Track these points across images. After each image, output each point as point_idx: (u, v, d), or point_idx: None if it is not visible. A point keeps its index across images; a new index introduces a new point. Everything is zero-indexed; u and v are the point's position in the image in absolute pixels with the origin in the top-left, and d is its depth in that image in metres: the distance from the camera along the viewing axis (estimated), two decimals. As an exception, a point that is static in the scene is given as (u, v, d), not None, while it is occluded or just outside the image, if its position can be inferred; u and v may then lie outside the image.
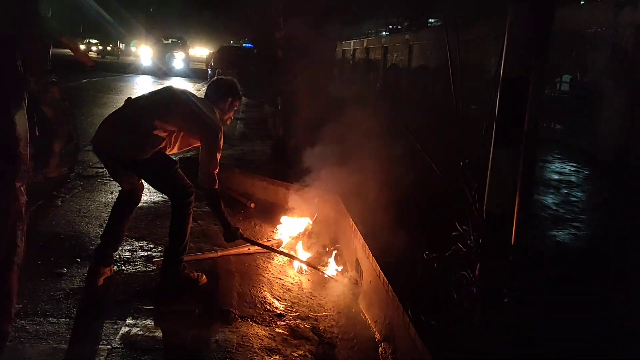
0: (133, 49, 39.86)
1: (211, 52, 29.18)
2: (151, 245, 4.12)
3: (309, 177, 5.49)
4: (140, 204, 4.94)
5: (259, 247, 4.14)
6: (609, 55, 7.08)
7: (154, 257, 3.90)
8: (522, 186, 2.54)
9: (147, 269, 3.73)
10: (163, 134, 3.34)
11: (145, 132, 3.29)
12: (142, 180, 3.56)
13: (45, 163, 5.51)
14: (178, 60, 25.25)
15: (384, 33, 22.63)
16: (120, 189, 3.59)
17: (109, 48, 40.65)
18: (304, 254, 4.29)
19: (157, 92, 3.66)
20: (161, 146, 3.36)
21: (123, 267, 3.70)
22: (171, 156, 3.51)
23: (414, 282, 3.07)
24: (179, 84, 17.57)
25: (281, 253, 4.18)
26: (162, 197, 5.08)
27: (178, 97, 3.50)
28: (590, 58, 7.44)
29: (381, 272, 3.28)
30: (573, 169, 7.17)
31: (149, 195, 5.35)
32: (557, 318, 2.80)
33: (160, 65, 23.34)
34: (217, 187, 3.48)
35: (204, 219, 4.83)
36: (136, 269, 3.73)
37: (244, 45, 29.61)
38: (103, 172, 6.11)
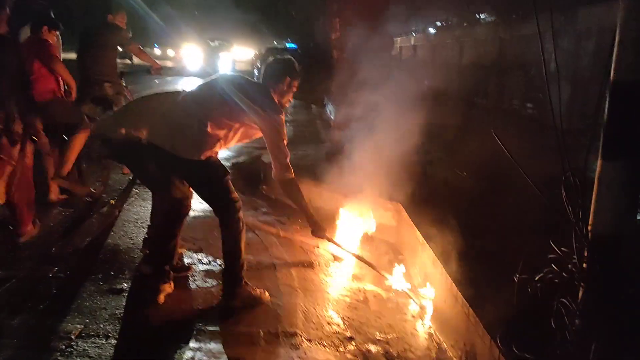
0: (157, 51, 39.28)
1: (256, 52, 29.31)
2: (210, 258, 3.98)
3: (368, 184, 5.26)
4: (195, 214, 4.88)
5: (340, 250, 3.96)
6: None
7: (213, 271, 3.75)
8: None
9: (207, 284, 3.59)
10: (219, 132, 3.15)
11: (199, 131, 3.11)
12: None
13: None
14: (224, 61, 25.43)
15: (431, 30, 22.10)
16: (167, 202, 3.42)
17: (169, 53, 40.27)
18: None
19: (204, 88, 3.36)
20: (216, 146, 3.20)
21: (182, 283, 3.56)
22: (223, 165, 3.35)
23: (495, 305, 2.79)
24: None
25: (364, 261, 3.90)
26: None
27: (222, 94, 3.21)
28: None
29: (459, 293, 3.02)
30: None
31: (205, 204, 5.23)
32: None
33: (207, 67, 23.54)
34: (293, 177, 3.29)
35: (261, 229, 4.66)
36: (196, 284, 3.58)
37: (287, 45, 29.63)
38: (157, 179, 6.05)
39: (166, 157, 3.16)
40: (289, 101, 3.51)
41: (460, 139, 7.59)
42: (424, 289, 3.68)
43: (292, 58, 3.49)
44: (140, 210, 4.94)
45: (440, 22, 22.67)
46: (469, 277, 3.13)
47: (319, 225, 3.53)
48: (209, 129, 3.10)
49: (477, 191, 4.97)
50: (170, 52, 29.62)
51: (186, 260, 3.90)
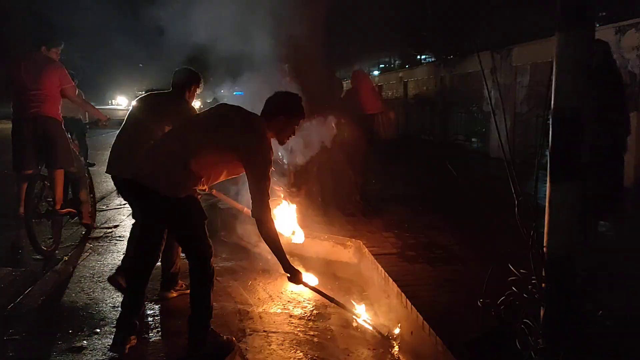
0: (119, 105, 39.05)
1: (207, 101, 29.23)
2: (173, 308, 3.88)
3: (324, 223, 5.33)
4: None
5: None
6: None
7: (178, 320, 3.66)
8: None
9: (173, 334, 3.49)
10: (202, 170, 3.08)
11: (182, 169, 3.03)
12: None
13: (78, 213, 5.40)
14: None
15: (375, 72, 22.81)
16: (138, 250, 3.37)
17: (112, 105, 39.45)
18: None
19: (189, 124, 3.33)
20: (198, 184, 3.14)
21: (147, 334, 3.46)
22: (203, 207, 3.32)
23: (461, 332, 2.85)
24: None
25: (341, 306, 3.69)
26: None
27: (206, 133, 3.16)
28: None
29: (425, 323, 3.06)
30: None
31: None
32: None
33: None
34: (270, 218, 3.13)
35: (223, 275, 4.60)
36: (161, 335, 3.49)
37: (235, 93, 29.78)
38: (111, 232, 5.91)
39: (148, 196, 3.07)
40: (289, 137, 3.38)
41: (410, 175, 7.78)
42: (390, 322, 3.72)
43: (296, 95, 3.36)
44: (95, 265, 4.79)
45: (384, 64, 23.49)
46: (434, 306, 3.19)
47: (295, 271, 3.31)
48: (192, 167, 3.04)
49: (435, 222, 5.10)
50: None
51: (149, 312, 3.80)
